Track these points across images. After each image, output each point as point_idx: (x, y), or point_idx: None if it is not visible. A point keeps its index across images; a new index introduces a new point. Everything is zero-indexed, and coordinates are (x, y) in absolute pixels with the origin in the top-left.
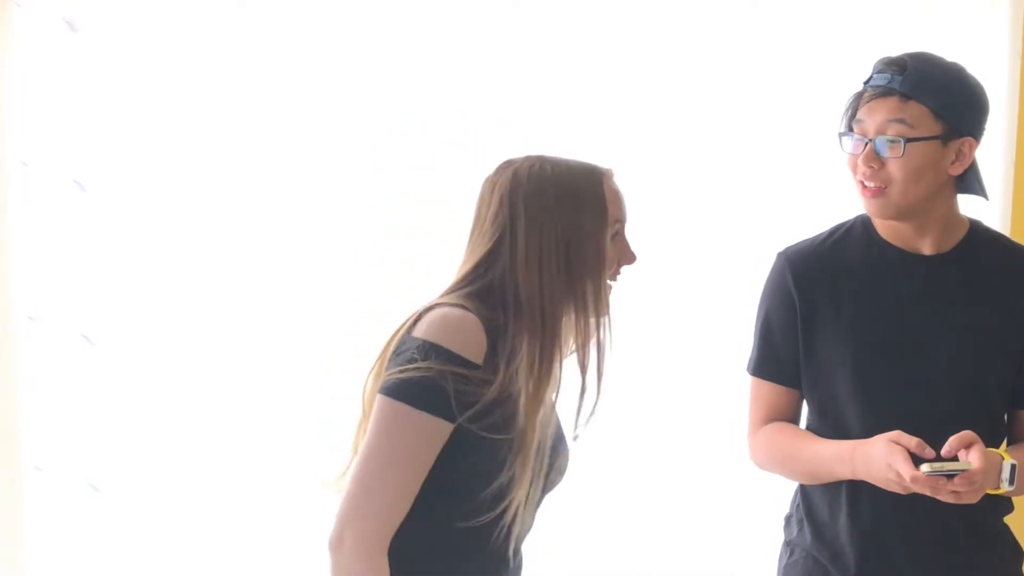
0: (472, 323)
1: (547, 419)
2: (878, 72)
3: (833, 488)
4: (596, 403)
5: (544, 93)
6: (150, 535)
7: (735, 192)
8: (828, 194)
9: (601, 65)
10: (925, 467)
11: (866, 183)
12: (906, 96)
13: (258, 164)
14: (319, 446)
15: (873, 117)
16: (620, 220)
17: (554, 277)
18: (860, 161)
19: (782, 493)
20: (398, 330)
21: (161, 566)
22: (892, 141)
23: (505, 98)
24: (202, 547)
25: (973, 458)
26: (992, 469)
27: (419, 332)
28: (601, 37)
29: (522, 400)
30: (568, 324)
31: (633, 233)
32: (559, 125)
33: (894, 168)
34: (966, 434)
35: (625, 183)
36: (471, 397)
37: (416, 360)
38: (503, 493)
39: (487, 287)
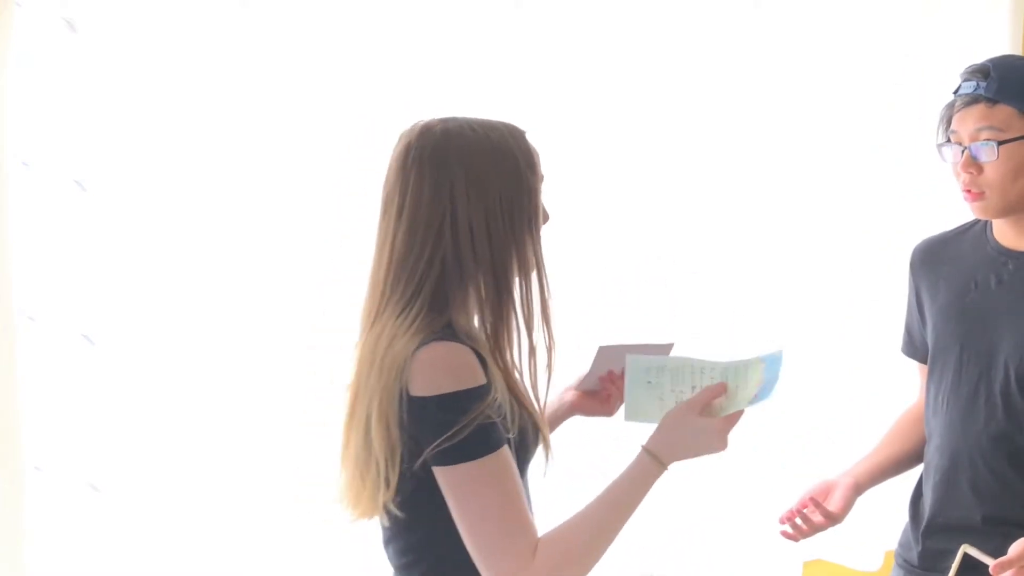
0: (462, 352)
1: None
2: (965, 81)
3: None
4: (551, 358)
5: (547, 94)
6: (150, 535)
7: (738, 192)
8: (830, 193)
9: (604, 66)
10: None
11: (967, 189)
12: (992, 101)
13: (260, 165)
14: (320, 447)
15: (965, 125)
16: (543, 176)
17: (501, 240)
18: (960, 168)
19: (783, 493)
20: (370, 360)
21: (161, 566)
22: (985, 145)
23: (508, 99)
24: (202, 547)
25: None
26: None
27: (423, 389)
28: (604, 38)
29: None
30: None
31: (635, 233)
32: (562, 125)
33: (991, 171)
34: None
35: (628, 183)
36: (499, 415)
37: (457, 420)
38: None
39: (434, 289)
